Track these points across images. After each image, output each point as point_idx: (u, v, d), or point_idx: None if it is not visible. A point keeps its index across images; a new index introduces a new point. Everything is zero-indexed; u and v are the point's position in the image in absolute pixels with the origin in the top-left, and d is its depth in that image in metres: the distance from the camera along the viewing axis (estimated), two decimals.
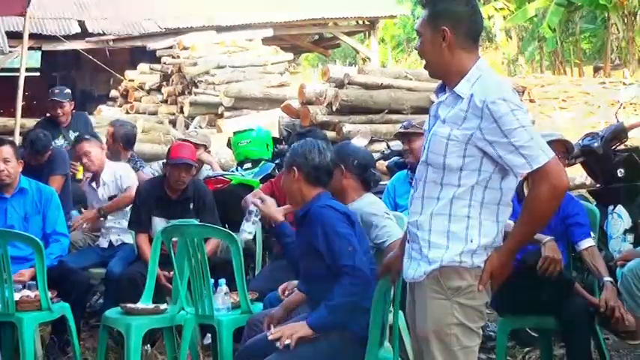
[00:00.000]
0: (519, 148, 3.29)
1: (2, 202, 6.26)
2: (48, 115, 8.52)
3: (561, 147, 5.41)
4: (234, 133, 8.46)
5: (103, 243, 7.04)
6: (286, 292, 5.10)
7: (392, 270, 3.83)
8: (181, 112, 16.18)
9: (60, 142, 8.24)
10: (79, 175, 7.55)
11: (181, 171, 6.48)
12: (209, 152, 8.07)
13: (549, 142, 5.04)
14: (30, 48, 10.30)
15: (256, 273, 6.49)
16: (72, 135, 8.36)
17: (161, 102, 17.20)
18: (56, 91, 8.67)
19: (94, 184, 7.13)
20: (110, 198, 6.96)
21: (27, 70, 9.11)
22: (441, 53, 3.44)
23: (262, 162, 7.83)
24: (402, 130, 6.68)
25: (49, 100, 8.59)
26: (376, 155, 8.05)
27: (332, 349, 4.19)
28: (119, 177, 7.06)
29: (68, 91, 8.75)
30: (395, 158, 7.77)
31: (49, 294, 5.69)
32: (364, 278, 4.11)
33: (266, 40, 19.09)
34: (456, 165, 3.40)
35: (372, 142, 9.03)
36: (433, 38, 3.43)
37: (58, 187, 7.19)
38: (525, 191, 4.71)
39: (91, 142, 7.15)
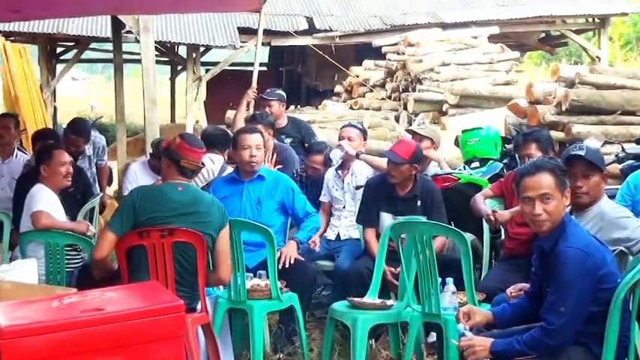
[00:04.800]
0: None
1: (239, 184, 6.58)
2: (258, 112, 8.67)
3: None
4: (463, 131, 8.35)
5: (330, 235, 7.15)
6: (513, 294, 5.00)
7: None
8: (405, 108, 16.17)
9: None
10: None
11: (388, 164, 6.50)
12: (436, 148, 8.01)
13: None
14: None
15: (483, 274, 6.39)
16: (286, 140, 8.51)
17: (385, 98, 17.27)
18: (267, 90, 8.85)
19: (339, 172, 7.24)
20: (357, 187, 7.03)
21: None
22: None
23: (490, 161, 7.70)
24: None
25: (258, 97, 8.81)
26: (610, 158, 7.76)
27: None
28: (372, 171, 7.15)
29: (280, 92, 8.86)
30: (630, 162, 7.46)
31: (279, 284, 5.84)
32: (555, 340, 3.98)
33: (492, 38, 18.81)
34: None
35: (604, 144, 8.71)
36: None
37: None
38: None
39: (359, 132, 7.32)
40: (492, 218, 6.22)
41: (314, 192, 7.41)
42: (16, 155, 8.41)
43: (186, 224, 5.12)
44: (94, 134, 9.08)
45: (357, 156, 7.16)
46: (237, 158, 6.67)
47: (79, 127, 8.67)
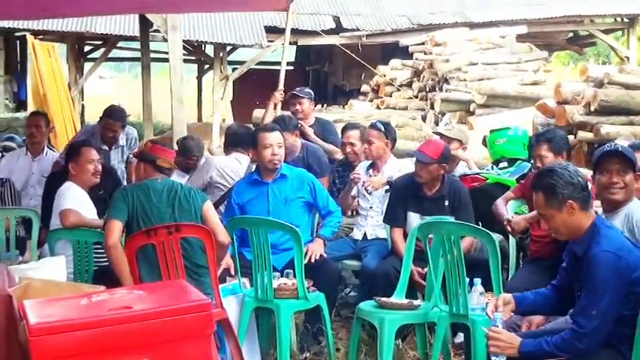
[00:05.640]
0: None
1: (264, 186, 6.56)
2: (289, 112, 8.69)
3: None
4: (491, 131, 8.31)
5: (357, 235, 7.13)
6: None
7: None
8: (432, 108, 16.12)
9: None
10: None
11: (416, 165, 6.47)
12: (464, 148, 7.98)
13: None
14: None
15: (510, 274, 6.36)
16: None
17: (412, 97, 17.20)
18: (297, 88, 8.88)
19: (371, 171, 7.23)
20: (386, 191, 7.02)
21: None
22: None
23: (518, 161, 7.65)
24: None
25: (289, 94, 8.84)
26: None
27: None
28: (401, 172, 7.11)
29: (309, 91, 8.90)
30: None
31: (306, 283, 5.83)
32: (585, 344, 3.95)
33: (519, 37, 18.72)
34: None
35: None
36: None
37: (326, 187, 7.31)
38: None
39: (379, 133, 7.22)
40: (508, 227, 6.20)
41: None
42: (46, 153, 8.47)
43: (172, 209, 5.68)
44: (127, 126, 9.14)
45: (389, 183, 7.06)
46: (258, 158, 6.62)
47: (116, 112, 8.75)
